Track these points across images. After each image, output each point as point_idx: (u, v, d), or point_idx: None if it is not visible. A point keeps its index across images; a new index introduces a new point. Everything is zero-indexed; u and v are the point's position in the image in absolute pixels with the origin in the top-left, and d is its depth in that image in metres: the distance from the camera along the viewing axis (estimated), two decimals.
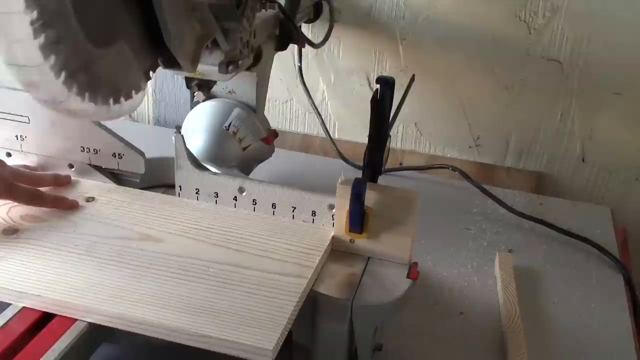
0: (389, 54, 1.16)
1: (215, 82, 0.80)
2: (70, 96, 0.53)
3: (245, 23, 0.70)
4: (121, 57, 0.57)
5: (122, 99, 0.59)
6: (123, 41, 0.57)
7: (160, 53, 0.62)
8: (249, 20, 0.71)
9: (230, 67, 0.69)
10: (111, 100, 0.58)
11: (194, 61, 0.64)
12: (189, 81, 0.77)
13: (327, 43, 1.16)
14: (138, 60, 0.60)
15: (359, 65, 1.19)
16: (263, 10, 0.83)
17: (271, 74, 0.93)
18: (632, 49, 1.05)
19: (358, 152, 1.10)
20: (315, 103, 1.22)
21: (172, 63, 0.62)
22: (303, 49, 1.14)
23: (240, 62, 0.71)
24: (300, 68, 1.16)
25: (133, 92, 0.61)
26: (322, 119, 1.20)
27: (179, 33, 0.60)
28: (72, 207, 0.72)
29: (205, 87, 0.78)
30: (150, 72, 0.63)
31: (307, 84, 1.18)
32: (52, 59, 0.50)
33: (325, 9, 1.13)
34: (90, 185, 0.77)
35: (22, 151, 0.78)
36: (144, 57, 0.61)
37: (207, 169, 0.77)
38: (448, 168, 1.11)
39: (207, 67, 0.69)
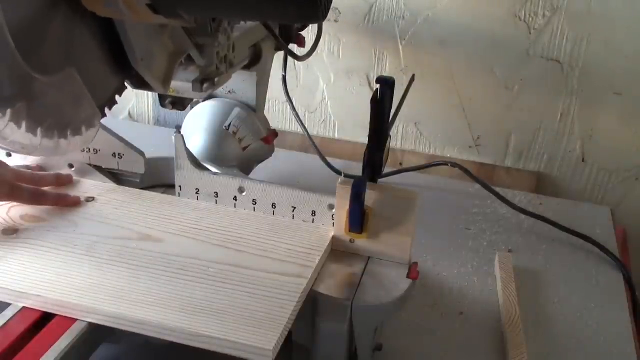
0: (389, 54, 1.16)
1: (191, 100, 0.72)
2: (7, 125, 0.47)
3: (221, 38, 0.65)
4: (70, 86, 0.52)
5: (70, 135, 0.53)
6: (73, 69, 0.51)
7: (128, 73, 0.57)
8: (227, 34, 0.67)
9: (206, 85, 0.65)
10: (56, 135, 0.52)
11: (166, 81, 0.59)
12: (162, 99, 0.71)
13: (327, 43, 1.16)
14: (94, 90, 0.54)
15: (359, 65, 1.19)
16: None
17: (271, 73, 0.93)
18: (632, 49, 1.06)
19: (358, 152, 1.11)
20: (315, 103, 1.22)
21: (141, 83, 0.58)
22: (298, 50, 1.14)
23: (216, 79, 0.66)
24: (284, 77, 1.08)
25: (83, 128, 0.55)
26: (296, 113, 1.16)
27: (147, 53, 0.55)
28: (74, 203, 0.72)
29: (180, 105, 0.70)
30: (110, 103, 0.58)
31: (307, 84, 1.18)
32: None
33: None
34: (90, 185, 0.77)
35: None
36: (103, 86, 0.56)
37: (207, 169, 0.77)
38: (447, 165, 1.11)
39: (182, 84, 0.64)
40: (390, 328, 0.76)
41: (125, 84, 0.60)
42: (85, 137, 0.56)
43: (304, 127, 1.15)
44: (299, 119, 1.15)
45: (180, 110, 0.70)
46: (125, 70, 0.57)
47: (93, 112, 0.56)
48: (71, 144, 0.54)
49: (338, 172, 1.08)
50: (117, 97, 0.60)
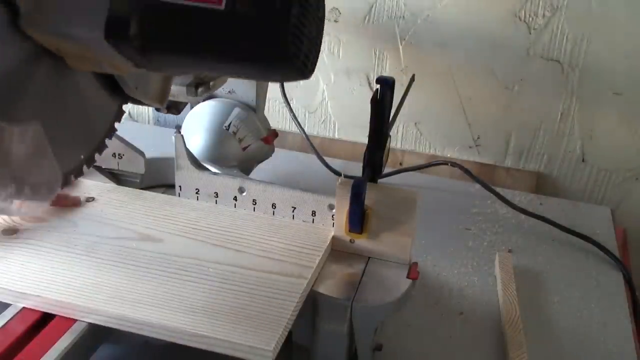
0: (389, 54, 1.16)
1: (186, 104, 0.71)
2: None
3: None
4: (34, 141, 0.49)
5: (26, 192, 0.50)
6: (40, 123, 0.49)
7: (121, 98, 0.57)
8: None
9: (200, 89, 0.64)
10: (13, 190, 0.48)
11: (163, 99, 0.59)
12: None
13: (327, 43, 1.16)
14: (62, 150, 0.52)
15: (359, 65, 1.19)
16: None
17: None
18: (632, 49, 1.05)
19: (358, 152, 1.10)
20: (315, 103, 1.22)
21: (138, 102, 0.58)
22: None
23: (212, 82, 0.66)
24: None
25: (45, 189, 0.52)
26: (293, 114, 1.15)
27: (140, 80, 0.55)
28: (74, 203, 0.72)
29: (174, 109, 0.69)
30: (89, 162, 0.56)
31: (307, 84, 1.18)
32: None
33: None
34: (90, 185, 0.77)
35: None
36: (72, 150, 0.53)
37: (207, 169, 0.77)
38: (447, 164, 1.11)
39: (176, 88, 0.65)
40: (390, 328, 0.76)
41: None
42: (42, 199, 0.53)
43: (301, 127, 1.14)
44: (296, 119, 1.15)
45: (175, 114, 0.70)
46: (121, 98, 0.57)
47: (55, 176, 0.54)
48: (24, 204, 0.51)
49: (337, 173, 1.07)
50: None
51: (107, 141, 0.67)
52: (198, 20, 0.45)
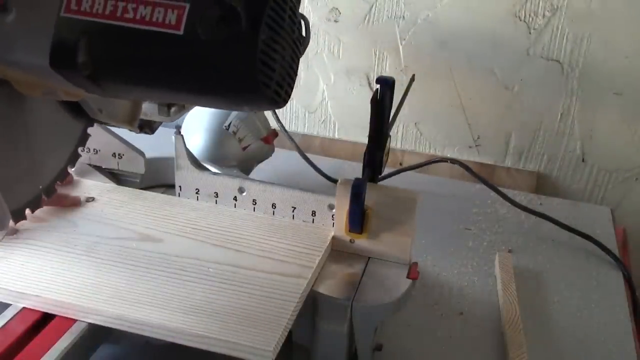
0: (389, 54, 1.16)
1: (160, 123, 0.66)
2: None
3: None
4: None
5: None
6: None
7: (86, 120, 0.54)
8: None
9: (173, 109, 0.61)
10: None
11: (133, 121, 0.56)
12: None
13: (327, 43, 1.16)
14: (14, 185, 0.50)
15: (359, 65, 1.19)
16: None
17: None
18: (632, 49, 1.05)
19: (358, 152, 1.10)
20: (315, 103, 1.22)
21: (105, 124, 0.55)
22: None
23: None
24: None
25: None
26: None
27: (105, 102, 0.52)
28: (74, 203, 0.72)
29: (147, 128, 0.65)
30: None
31: (307, 84, 1.17)
32: None
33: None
34: (90, 185, 0.77)
35: None
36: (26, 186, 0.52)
37: (207, 169, 0.77)
38: (447, 161, 1.11)
39: (149, 106, 0.61)
40: (390, 328, 0.76)
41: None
42: None
43: (280, 123, 1.08)
44: (280, 121, 1.09)
45: (149, 134, 0.65)
46: (86, 120, 0.54)
47: (3, 214, 0.52)
48: None
49: (322, 173, 1.06)
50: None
51: (107, 141, 0.66)
52: (154, 46, 0.41)
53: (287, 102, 0.45)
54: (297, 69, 0.46)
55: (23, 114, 0.50)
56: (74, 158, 0.57)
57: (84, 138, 0.58)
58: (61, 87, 0.45)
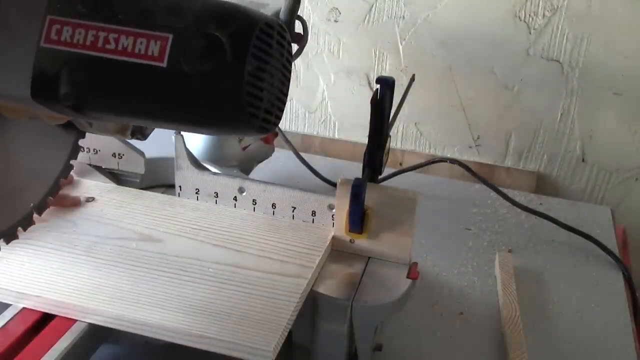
0: (389, 54, 1.16)
1: (152, 129, 0.64)
2: None
3: None
4: None
5: None
6: None
7: (77, 132, 0.53)
8: None
9: None
10: None
11: (125, 130, 0.55)
12: None
13: (327, 43, 1.16)
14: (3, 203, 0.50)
15: (359, 65, 1.19)
16: None
17: None
18: (632, 49, 1.05)
19: (358, 152, 1.10)
20: (315, 103, 1.22)
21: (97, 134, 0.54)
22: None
23: None
24: None
25: None
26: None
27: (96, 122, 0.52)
28: (74, 203, 0.72)
29: (139, 134, 0.62)
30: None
31: (307, 84, 1.17)
32: None
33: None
34: (90, 185, 0.77)
35: None
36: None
37: (207, 169, 0.77)
38: (447, 162, 1.11)
39: None
40: (390, 328, 0.76)
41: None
42: None
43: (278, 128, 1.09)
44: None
45: (141, 140, 0.62)
46: (77, 132, 0.53)
47: None
48: None
49: (320, 176, 1.05)
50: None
51: (107, 141, 0.65)
52: (137, 78, 0.40)
53: (277, 125, 0.44)
54: (288, 89, 0.44)
55: (9, 131, 0.49)
56: (67, 171, 0.57)
57: (75, 150, 0.57)
58: (45, 114, 0.44)
